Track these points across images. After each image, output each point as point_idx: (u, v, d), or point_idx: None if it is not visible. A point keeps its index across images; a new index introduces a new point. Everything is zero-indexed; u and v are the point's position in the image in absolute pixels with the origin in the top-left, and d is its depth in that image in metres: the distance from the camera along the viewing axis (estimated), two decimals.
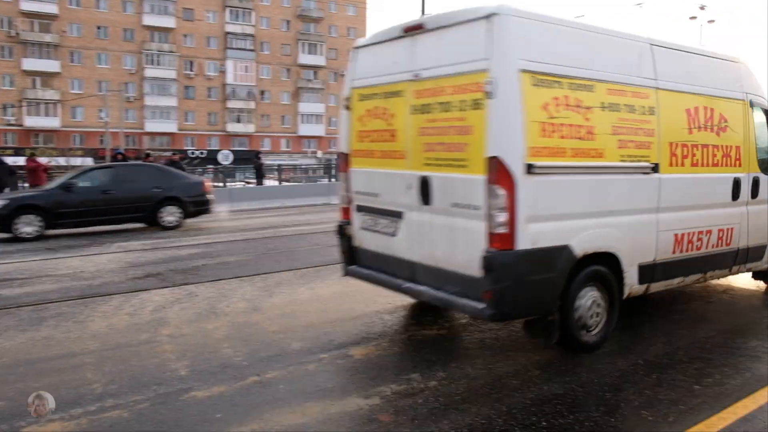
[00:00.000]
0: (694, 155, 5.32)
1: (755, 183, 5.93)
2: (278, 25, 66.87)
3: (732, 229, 5.75)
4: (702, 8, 36.02)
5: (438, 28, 4.58)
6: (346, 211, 5.64)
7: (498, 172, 4.02)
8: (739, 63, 6.00)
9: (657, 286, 5.26)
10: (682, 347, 4.86)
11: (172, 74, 60.33)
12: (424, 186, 4.62)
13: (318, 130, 69.75)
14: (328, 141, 70.11)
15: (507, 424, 3.49)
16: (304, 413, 3.72)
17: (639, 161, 4.82)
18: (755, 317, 5.86)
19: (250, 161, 27.66)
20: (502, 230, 4.05)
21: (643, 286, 5.06)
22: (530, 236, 4.13)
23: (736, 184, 5.74)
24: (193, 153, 56.16)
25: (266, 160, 30.93)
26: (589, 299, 4.59)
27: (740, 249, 5.89)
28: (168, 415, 3.69)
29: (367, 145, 5.32)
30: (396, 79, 4.86)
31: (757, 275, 6.72)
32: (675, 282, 5.44)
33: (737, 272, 6.18)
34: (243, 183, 26.38)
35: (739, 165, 5.78)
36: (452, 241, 4.44)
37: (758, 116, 6.06)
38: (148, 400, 3.89)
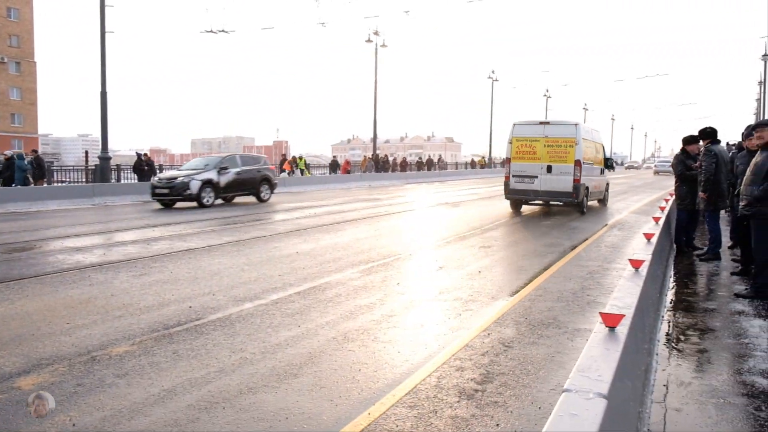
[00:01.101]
0: (597, 160, 17.49)
1: (602, 169, 18.16)
2: None
3: (600, 184, 17.87)
4: (376, 33, 40.68)
5: (555, 124, 16.25)
6: (507, 177, 16.06)
7: (578, 163, 15.26)
8: (600, 131, 20.57)
9: (589, 201, 16.85)
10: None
11: None
12: (549, 168, 15.51)
13: None
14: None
15: None
16: None
17: (593, 163, 16.91)
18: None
19: None
20: (577, 178, 15.25)
21: (588, 199, 16.42)
22: (582, 180, 15.45)
23: (600, 170, 17.73)
24: None
25: None
26: (587, 197, 16.44)
27: (601, 191, 18.16)
28: None
29: (520, 156, 15.95)
30: (536, 136, 15.81)
31: (598, 201, 18.39)
32: (591, 200, 17.15)
33: (596, 199, 17.98)
34: None
35: (601, 164, 17.82)
36: (559, 183, 15.41)
37: (602, 148, 18.43)
38: None
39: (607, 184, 19.21)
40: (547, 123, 16.22)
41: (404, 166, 46.35)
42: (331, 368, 4.59)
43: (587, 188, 15.99)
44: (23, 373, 4.36)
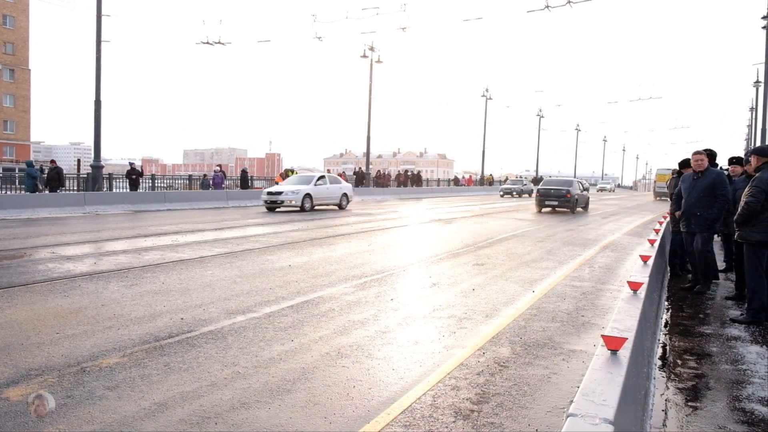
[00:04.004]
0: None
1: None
2: None
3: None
4: (372, 49, 40.92)
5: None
6: (654, 188, 49.39)
7: None
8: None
9: None
10: None
11: None
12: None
13: None
14: None
15: None
16: None
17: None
18: None
19: None
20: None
21: None
22: None
23: None
24: None
25: None
26: None
27: None
28: None
29: (659, 180, 46.76)
30: (666, 174, 42.75)
31: None
32: None
33: None
34: None
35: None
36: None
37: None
38: None
39: None
40: (672, 169, 38.96)
41: (403, 180, 46.33)
42: (324, 384, 4.53)
43: None
44: (12, 383, 4.27)
